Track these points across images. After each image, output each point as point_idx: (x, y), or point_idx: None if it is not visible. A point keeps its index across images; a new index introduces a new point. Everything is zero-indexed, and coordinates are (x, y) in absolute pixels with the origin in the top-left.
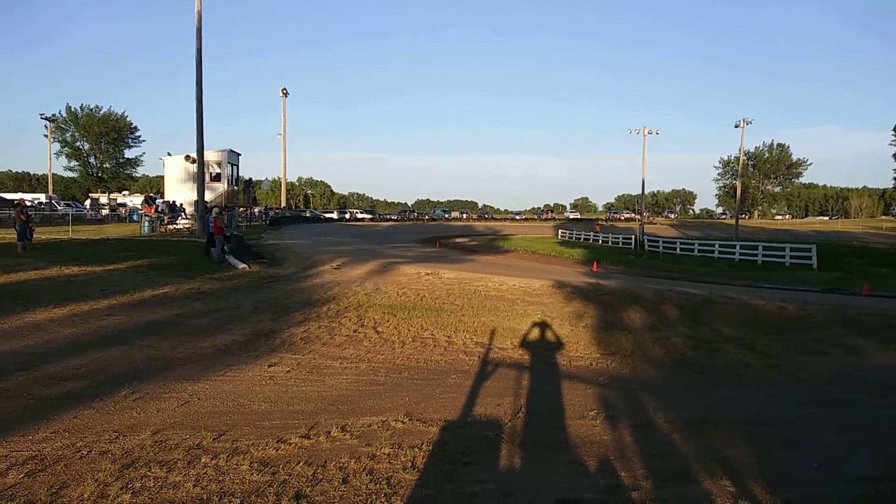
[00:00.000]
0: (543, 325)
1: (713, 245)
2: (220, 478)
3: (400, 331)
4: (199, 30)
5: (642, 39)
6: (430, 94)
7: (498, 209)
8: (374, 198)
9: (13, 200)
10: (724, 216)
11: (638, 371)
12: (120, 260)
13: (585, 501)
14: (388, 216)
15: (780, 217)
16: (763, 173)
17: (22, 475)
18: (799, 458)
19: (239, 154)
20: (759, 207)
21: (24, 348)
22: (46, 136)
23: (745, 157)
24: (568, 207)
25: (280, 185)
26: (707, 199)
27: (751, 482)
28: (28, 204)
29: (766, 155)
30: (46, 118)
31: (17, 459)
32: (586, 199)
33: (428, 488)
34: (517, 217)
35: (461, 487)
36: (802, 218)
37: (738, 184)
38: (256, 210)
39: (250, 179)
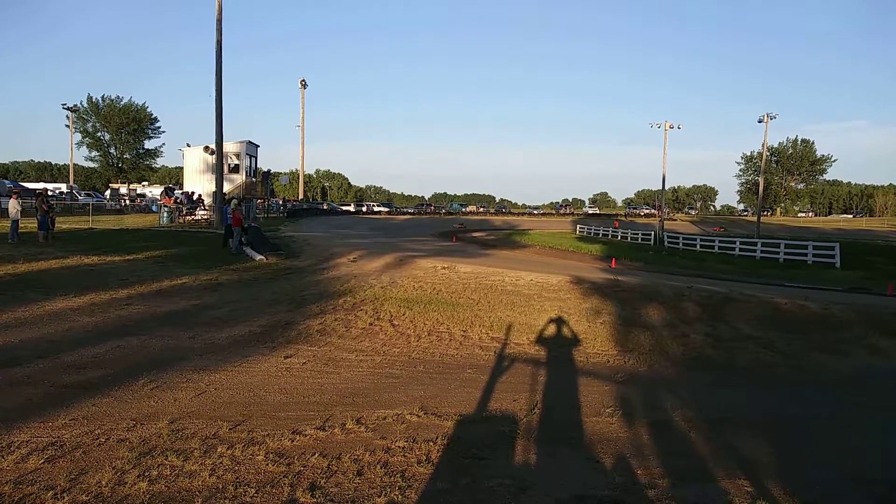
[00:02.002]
0: (560, 321)
1: (734, 242)
2: (236, 468)
3: (416, 324)
4: (219, 21)
5: (664, 38)
6: (449, 90)
7: (515, 203)
8: (390, 191)
9: (36, 190)
10: (745, 213)
11: (656, 369)
12: (139, 250)
13: (601, 498)
14: (404, 209)
15: (802, 214)
16: (786, 169)
17: (42, 461)
18: (819, 459)
19: (257, 146)
20: (782, 204)
21: (45, 336)
22: (68, 126)
23: (768, 153)
24: (587, 202)
25: (298, 177)
26: (729, 195)
27: (770, 482)
28: (50, 193)
29: (790, 151)
30: (68, 108)
31: (38, 445)
32: (605, 194)
33: (443, 482)
34: (535, 212)
35: (476, 482)
36: (826, 216)
37: (761, 180)
38: (280, 201)
39: (269, 171)
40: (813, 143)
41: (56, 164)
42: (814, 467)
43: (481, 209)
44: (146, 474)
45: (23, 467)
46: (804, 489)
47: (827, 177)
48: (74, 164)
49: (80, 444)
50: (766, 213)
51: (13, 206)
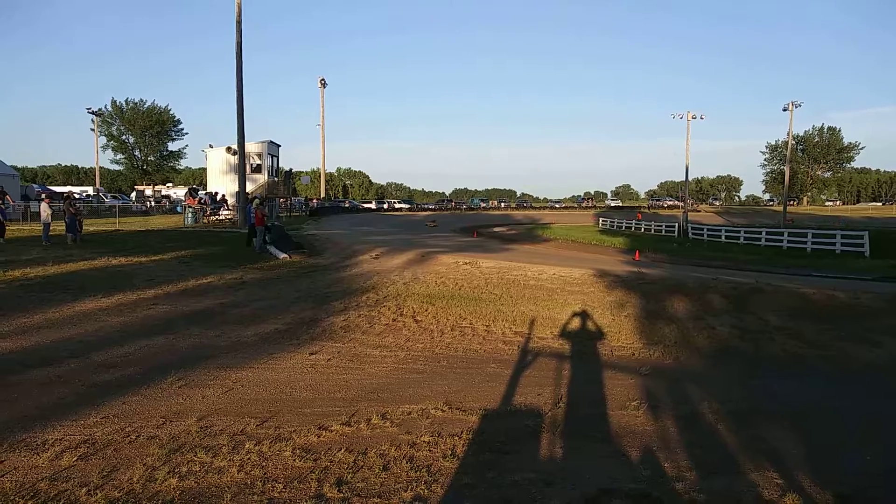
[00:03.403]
0: (584, 315)
1: (760, 232)
2: (264, 463)
3: (439, 320)
4: (239, 22)
5: (685, 30)
6: (469, 87)
7: (537, 197)
8: (411, 187)
9: (63, 193)
10: (771, 203)
11: (682, 361)
12: (165, 250)
13: (628, 492)
14: (425, 206)
15: (830, 203)
16: (812, 158)
17: (75, 458)
18: (850, 450)
19: (279, 145)
20: (809, 193)
21: (75, 336)
22: (93, 130)
23: (793, 142)
24: (609, 195)
25: (319, 176)
26: (753, 185)
27: (800, 474)
28: (77, 196)
29: (816, 139)
30: (93, 112)
31: (71, 443)
32: (628, 186)
33: (468, 476)
34: (557, 205)
35: (501, 476)
36: (854, 204)
37: (787, 169)
38: (302, 200)
39: (290, 170)
40: (839, 130)
41: (82, 168)
42: (845, 459)
43: (502, 204)
44: (176, 471)
45: (57, 464)
46: (835, 481)
47: (855, 164)
48: (100, 168)
49: (111, 442)
50: (792, 202)
51: (44, 209)
